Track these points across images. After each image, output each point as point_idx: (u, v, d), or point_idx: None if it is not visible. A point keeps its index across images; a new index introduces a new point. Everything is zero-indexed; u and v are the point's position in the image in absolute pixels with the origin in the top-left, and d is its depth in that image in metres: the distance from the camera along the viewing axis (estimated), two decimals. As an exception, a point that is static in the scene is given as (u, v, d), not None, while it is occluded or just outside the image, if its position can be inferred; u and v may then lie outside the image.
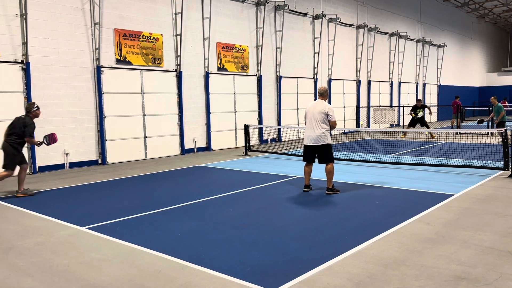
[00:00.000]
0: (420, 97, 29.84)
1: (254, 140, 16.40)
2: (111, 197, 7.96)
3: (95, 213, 6.71)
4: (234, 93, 16.29)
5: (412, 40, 28.31)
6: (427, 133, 18.13)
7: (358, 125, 23.26)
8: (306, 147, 7.85)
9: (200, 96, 15.03)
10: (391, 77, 26.35)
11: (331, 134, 7.78)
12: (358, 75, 23.26)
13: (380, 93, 25.46)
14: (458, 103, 20.79)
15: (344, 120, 22.55)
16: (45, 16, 11.05)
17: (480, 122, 15.84)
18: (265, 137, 17.67)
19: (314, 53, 20.07)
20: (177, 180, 9.59)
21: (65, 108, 11.50)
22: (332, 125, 7.63)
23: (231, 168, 10.99)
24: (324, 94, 7.87)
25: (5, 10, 10.37)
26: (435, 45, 31.17)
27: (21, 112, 10.56)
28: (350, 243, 4.98)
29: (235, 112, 16.35)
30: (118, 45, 12.57)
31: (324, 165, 7.83)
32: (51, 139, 8.42)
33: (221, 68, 15.71)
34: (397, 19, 26.60)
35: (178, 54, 14.08)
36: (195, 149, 14.92)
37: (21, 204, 7.39)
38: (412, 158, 11.40)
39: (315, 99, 20.10)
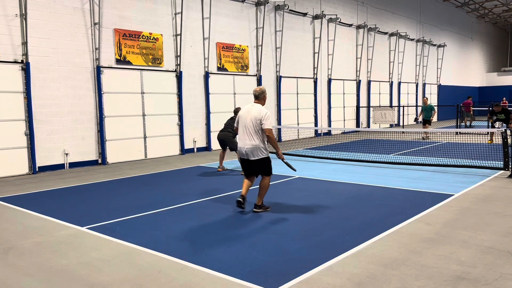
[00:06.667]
0: (420, 97, 29.83)
1: (254, 140, 16.37)
2: (111, 197, 7.96)
3: (95, 213, 6.71)
4: (234, 93, 16.28)
5: (412, 40, 28.30)
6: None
7: (358, 125, 23.25)
8: None
9: (200, 96, 15.03)
10: (391, 77, 26.34)
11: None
12: (358, 75, 23.26)
13: (380, 93, 25.46)
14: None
15: (344, 120, 22.55)
16: (45, 16, 11.05)
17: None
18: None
19: (314, 53, 20.07)
20: (177, 180, 9.59)
21: (65, 108, 11.50)
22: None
23: (231, 168, 10.98)
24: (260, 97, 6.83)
25: (5, 10, 10.36)
26: (435, 45, 31.16)
27: (20, 112, 10.62)
28: (350, 243, 4.97)
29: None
30: (118, 45, 12.56)
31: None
32: None
33: (221, 68, 15.71)
34: (397, 19, 26.59)
35: (178, 54, 14.08)
36: (195, 149, 14.92)
37: (21, 204, 7.38)
38: (412, 158, 11.40)
39: (315, 99, 20.15)
